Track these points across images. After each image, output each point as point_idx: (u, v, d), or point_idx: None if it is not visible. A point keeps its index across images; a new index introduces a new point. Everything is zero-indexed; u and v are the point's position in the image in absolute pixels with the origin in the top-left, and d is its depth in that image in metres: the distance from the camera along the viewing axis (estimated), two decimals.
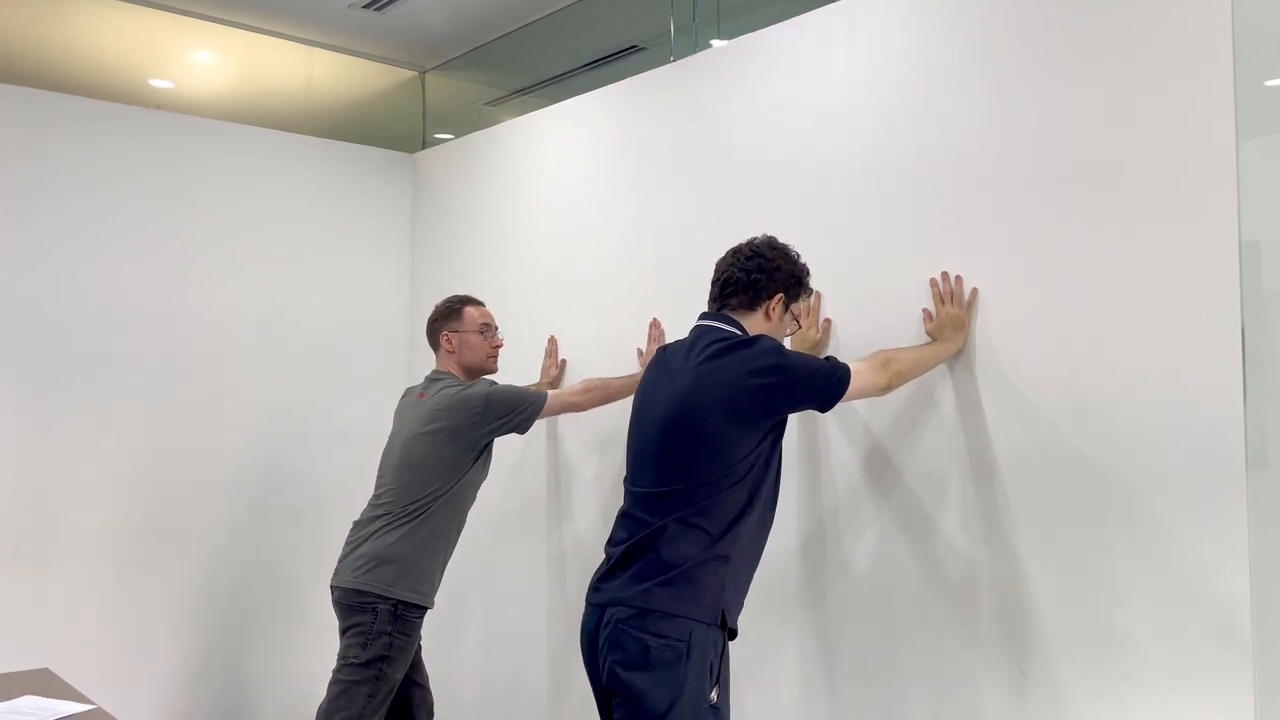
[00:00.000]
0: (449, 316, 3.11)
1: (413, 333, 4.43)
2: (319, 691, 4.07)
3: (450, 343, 3.05)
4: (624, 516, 2.18)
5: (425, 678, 3.03)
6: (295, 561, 4.03)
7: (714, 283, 2.32)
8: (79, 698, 2.21)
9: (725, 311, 2.27)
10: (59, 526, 3.50)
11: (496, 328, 3.14)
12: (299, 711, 4.02)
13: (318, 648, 4.08)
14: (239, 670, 3.90)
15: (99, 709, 2.11)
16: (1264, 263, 1.97)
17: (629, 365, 3.30)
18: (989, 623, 2.35)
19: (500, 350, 3.15)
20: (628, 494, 2.20)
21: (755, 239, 2.34)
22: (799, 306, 2.35)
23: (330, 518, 4.12)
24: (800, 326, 2.43)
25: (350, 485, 4.19)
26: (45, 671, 2.42)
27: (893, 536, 2.54)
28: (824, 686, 2.68)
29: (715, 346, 2.13)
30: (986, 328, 2.37)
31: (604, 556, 2.19)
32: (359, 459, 4.23)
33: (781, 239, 2.82)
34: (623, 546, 2.12)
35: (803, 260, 2.36)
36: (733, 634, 2.11)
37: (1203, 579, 1.99)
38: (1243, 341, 1.91)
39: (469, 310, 3.06)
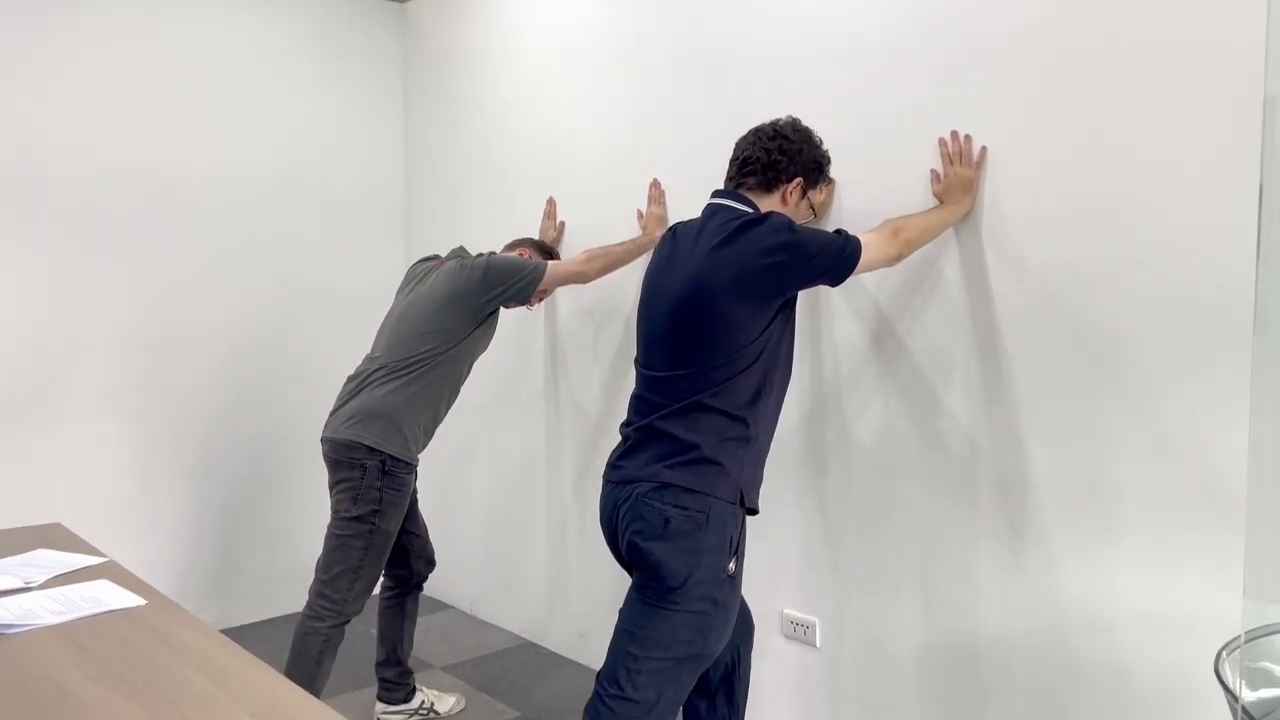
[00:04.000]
0: (545, 257, 3.09)
1: (408, 188, 4.36)
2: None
3: (523, 256, 3.01)
4: (637, 399, 2.17)
5: (423, 529, 3.10)
6: (296, 418, 4.09)
7: (732, 161, 2.25)
8: (91, 550, 2.24)
9: (740, 191, 2.22)
10: (63, 385, 3.53)
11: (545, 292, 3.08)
12: (302, 562, 4.14)
13: (321, 501, 4.18)
14: (246, 523, 4.00)
15: (111, 561, 2.15)
16: None
17: (629, 226, 3.26)
18: (985, 482, 2.39)
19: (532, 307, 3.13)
20: (639, 376, 2.18)
21: (779, 120, 2.25)
22: (817, 194, 2.30)
23: (331, 375, 4.17)
24: (816, 216, 2.37)
25: (351, 342, 4.22)
26: (57, 525, 2.45)
27: (894, 401, 2.56)
28: (822, 541, 2.75)
29: (727, 227, 2.08)
30: (995, 189, 2.33)
31: (620, 438, 2.20)
32: (359, 317, 4.26)
33: (783, 97, 2.76)
34: (637, 428, 2.12)
35: (825, 147, 2.29)
36: (753, 512, 2.14)
37: (1200, 439, 2.02)
38: (1260, 199, 1.87)
39: (552, 271, 2.96)
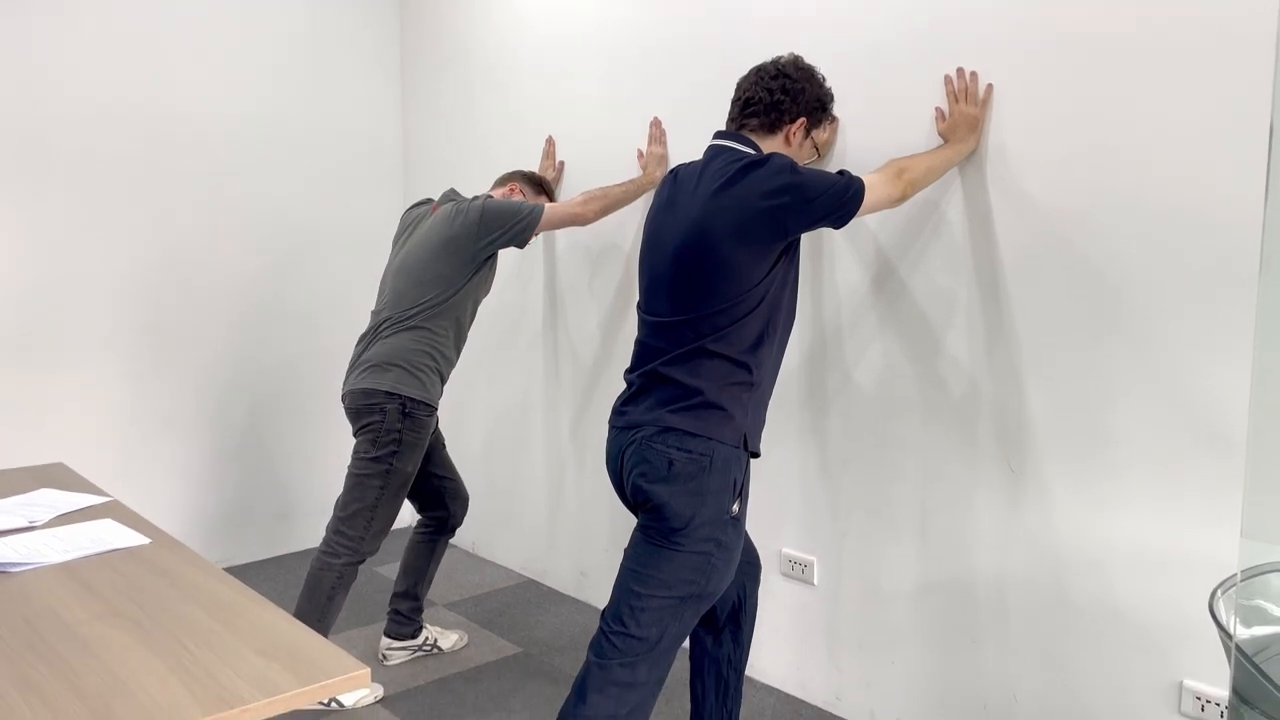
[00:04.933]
0: (536, 192, 3.09)
1: (405, 130, 4.31)
2: (330, 483, 4.22)
3: (514, 195, 3.02)
4: (640, 344, 2.16)
5: (454, 471, 3.14)
6: (296, 358, 4.10)
7: (734, 102, 2.21)
8: (94, 490, 2.26)
9: (743, 132, 2.18)
10: (65, 327, 3.52)
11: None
12: (304, 501, 4.17)
13: (325, 442, 4.20)
14: (247, 463, 4.02)
15: (115, 501, 2.16)
16: None
17: (629, 166, 3.22)
18: (984, 423, 2.39)
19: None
20: (642, 322, 2.17)
21: (781, 58, 2.21)
22: (820, 133, 2.26)
23: (331, 316, 4.17)
24: (820, 155, 2.34)
25: (351, 286, 4.21)
26: (60, 465, 2.47)
27: (895, 343, 2.56)
28: (821, 481, 2.77)
29: (728, 170, 2.05)
30: (1000, 128, 2.30)
31: (625, 384, 2.21)
32: (359, 260, 4.24)
33: (786, 34, 2.70)
34: (641, 374, 2.12)
35: (828, 85, 2.25)
36: (755, 455, 2.15)
37: (1201, 382, 2.02)
38: (1270, 139, 1.85)
39: (549, 214, 2.91)
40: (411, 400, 2.77)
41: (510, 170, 3.22)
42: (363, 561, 2.81)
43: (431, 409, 2.83)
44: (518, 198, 3.04)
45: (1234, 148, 1.93)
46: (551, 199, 3.15)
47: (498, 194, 3.05)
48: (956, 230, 2.40)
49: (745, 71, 2.25)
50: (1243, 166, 1.92)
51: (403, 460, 2.79)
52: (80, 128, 3.50)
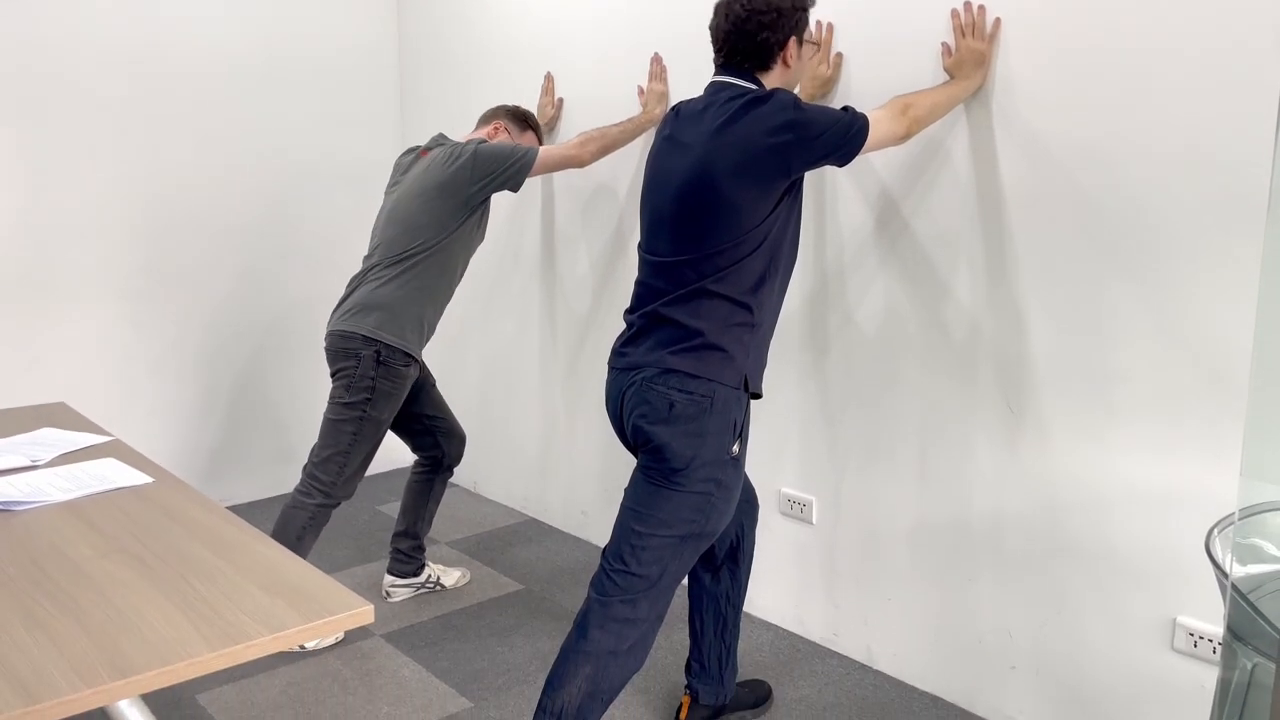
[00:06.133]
0: (522, 129, 3.04)
1: (401, 64, 4.24)
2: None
3: (499, 134, 2.99)
4: (641, 285, 2.14)
5: (445, 410, 3.13)
6: (293, 299, 4.08)
7: (718, 50, 2.12)
8: (96, 429, 2.26)
9: (742, 67, 2.12)
10: (64, 266, 3.50)
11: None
12: (304, 441, 4.20)
13: (325, 383, 4.21)
14: (250, 404, 4.03)
15: (117, 440, 2.17)
16: None
17: (629, 103, 3.18)
18: (985, 364, 2.39)
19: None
20: (643, 262, 2.15)
21: None
22: (811, 31, 2.20)
23: (327, 255, 4.14)
24: (819, 47, 2.27)
25: (348, 224, 4.18)
26: (61, 405, 2.47)
27: (897, 283, 2.54)
28: (821, 422, 2.78)
29: (730, 106, 2.00)
30: (1007, 64, 2.26)
31: (625, 325, 2.19)
32: (355, 198, 4.20)
33: None
34: (641, 315, 2.10)
35: None
36: (756, 396, 2.14)
37: (1205, 325, 2.01)
38: None
39: (544, 157, 2.87)
40: (388, 347, 2.76)
41: (494, 106, 3.13)
42: (336, 505, 2.84)
43: (409, 358, 2.81)
44: (503, 137, 2.99)
45: (1243, 84, 1.90)
46: (539, 135, 3.10)
47: (482, 134, 3.00)
48: (961, 168, 2.37)
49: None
50: (1251, 104, 1.89)
51: (377, 409, 2.79)
52: (74, 67, 3.44)
